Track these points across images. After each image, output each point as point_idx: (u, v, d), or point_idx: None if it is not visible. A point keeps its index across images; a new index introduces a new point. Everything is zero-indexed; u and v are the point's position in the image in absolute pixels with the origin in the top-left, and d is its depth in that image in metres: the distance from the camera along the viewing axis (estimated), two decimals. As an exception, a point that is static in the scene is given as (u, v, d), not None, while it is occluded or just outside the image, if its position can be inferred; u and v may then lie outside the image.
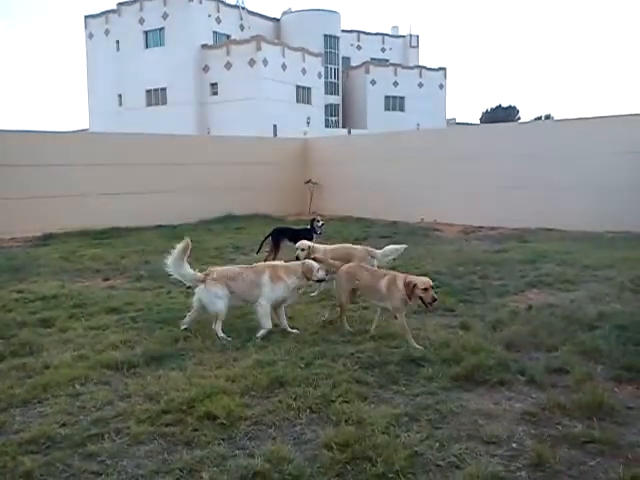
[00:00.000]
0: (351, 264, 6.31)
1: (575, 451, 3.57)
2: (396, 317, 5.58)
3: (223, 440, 3.76)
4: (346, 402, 4.20)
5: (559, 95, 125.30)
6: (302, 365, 4.91)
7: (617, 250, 10.27)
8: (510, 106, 70.11)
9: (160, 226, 14.97)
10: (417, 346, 5.27)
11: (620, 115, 13.75)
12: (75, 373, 4.80)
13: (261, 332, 5.79)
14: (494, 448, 3.61)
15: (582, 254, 9.96)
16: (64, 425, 3.96)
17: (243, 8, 51.73)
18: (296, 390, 4.41)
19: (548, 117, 53.16)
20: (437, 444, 3.63)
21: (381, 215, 16.54)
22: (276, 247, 9.75)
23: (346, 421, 3.91)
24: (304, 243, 7.63)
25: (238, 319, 6.46)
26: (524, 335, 5.59)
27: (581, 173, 13.73)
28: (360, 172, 18.20)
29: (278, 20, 54.98)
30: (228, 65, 45.79)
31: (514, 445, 3.65)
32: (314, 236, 9.92)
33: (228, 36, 49.00)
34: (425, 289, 5.32)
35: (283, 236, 9.92)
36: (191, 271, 6.11)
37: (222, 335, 5.75)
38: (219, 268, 6.25)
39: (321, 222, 10.34)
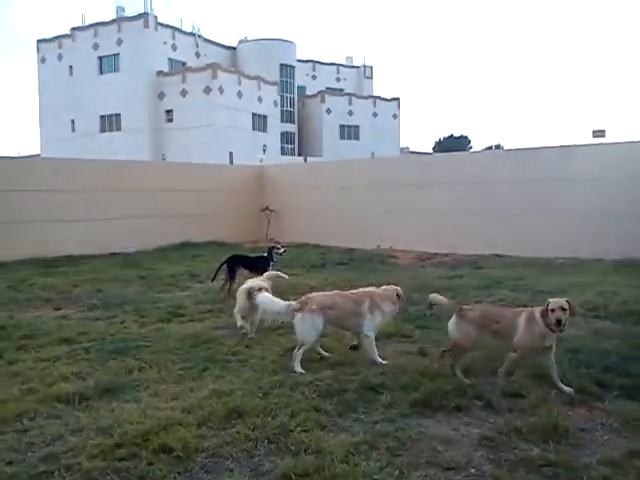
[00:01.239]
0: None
1: (532, 475, 3.61)
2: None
3: (179, 474, 3.67)
4: (305, 431, 4.15)
5: (508, 125, 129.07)
6: (260, 395, 4.84)
7: (567, 275, 10.55)
8: (462, 135, 71.99)
9: (114, 254, 14.69)
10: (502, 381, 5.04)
11: (577, 145, 14.26)
12: (23, 407, 4.63)
13: (376, 358, 5.60)
14: (453, 474, 3.62)
15: (534, 280, 10.19)
16: (11, 463, 3.79)
17: (199, 36, 51.92)
18: (254, 420, 4.33)
19: (498, 146, 54.55)
20: (397, 472, 3.62)
21: (337, 242, 16.63)
22: (232, 274, 9.67)
23: (305, 451, 3.86)
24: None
25: (193, 348, 6.35)
26: (480, 360, 5.64)
27: (533, 199, 14.09)
28: (317, 199, 18.32)
29: (234, 48, 55.35)
30: (184, 92, 45.72)
31: (472, 470, 3.67)
32: (270, 264, 9.89)
33: (184, 63, 49.01)
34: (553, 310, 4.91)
35: (238, 263, 9.86)
36: (284, 303, 5.86)
37: (299, 370, 5.49)
38: (317, 295, 5.90)
39: (283, 249, 10.34)
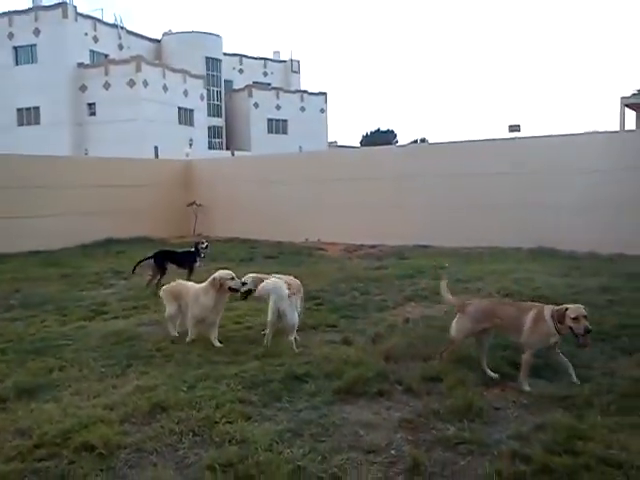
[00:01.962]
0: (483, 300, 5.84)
1: (448, 453, 3.78)
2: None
3: (102, 471, 3.62)
4: (230, 422, 4.18)
5: (433, 119, 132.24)
6: (185, 388, 4.83)
7: (485, 264, 10.98)
8: (388, 130, 73.19)
9: (35, 252, 14.15)
10: (527, 387, 4.79)
11: (496, 139, 14.80)
12: None
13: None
14: (374, 456, 3.74)
15: (455, 269, 10.55)
16: None
17: (122, 27, 50.51)
18: (178, 414, 4.33)
19: (423, 140, 55.90)
20: (319, 457, 3.70)
21: (266, 236, 16.62)
22: (161, 270, 9.55)
23: (229, 441, 3.90)
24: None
25: (116, 345, 6.25)
26: (402, 347, 5.83)
27: (456, 192, 14.53)
28: (245, 194, 18.23)
29: (159, 41, 54.18)
30: (107, 85, 44.43)
31: (393, 452, 3.81)
32: (197, 259, 9.84)
33: (106, 55, 47.62)
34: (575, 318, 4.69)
35: (166, 259, 9.75)
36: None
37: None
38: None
39: (205, 244, 10.27)
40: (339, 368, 5.15)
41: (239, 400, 4.58)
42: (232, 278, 6.22)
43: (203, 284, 6.36)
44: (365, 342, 6.11)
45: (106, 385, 5.03)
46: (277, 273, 6.90)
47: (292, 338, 5.91)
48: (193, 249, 10.05)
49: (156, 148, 21.80)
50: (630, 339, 5.95)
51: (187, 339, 6.28)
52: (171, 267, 9.70)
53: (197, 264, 9.81)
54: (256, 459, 3.60)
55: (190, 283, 6.86)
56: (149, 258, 9.74)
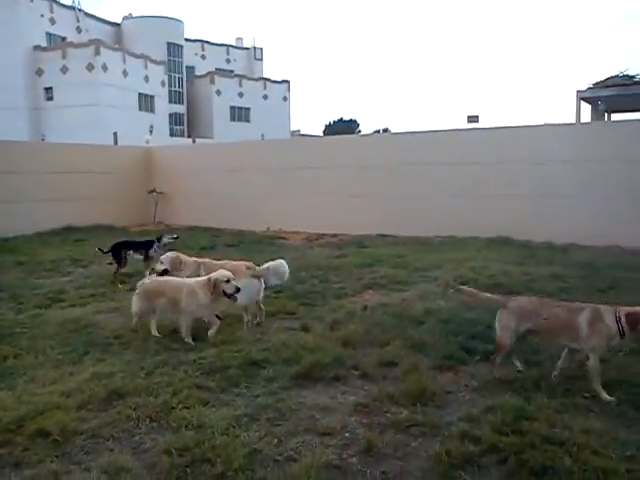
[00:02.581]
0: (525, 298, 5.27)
1: (401, 435, 3.89)
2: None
3: (57, 457, 3.63)
4: (187, 408, 4.22)
5: (395, 110, 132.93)
6: (142, 375, 4.84)
7: (444, 252, 11.18)
8: (351, 119, 73.28)
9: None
10: (607, 397, 4.34)
11: (455, 129, 15.00)
12: None
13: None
14: (329, 439, 3.83)
15: (414, 257, 10.71)
16: None
17: (79, 10, 49.37)
18: (136, 400, 4.34)
19: (386, 130, 56.15)
20: (275, 440, 3.78)
21: (228, 224, 16.55)
22: (118, 260, 9.54)
23: (186, 426, 3.93)
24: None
25: (73, 333, 6.20)
26: (359, 333, 5.93)
27: (416, 182, 14.68)
28: (206, 181, 18.08)
29: (119, 25, 53.12)
30: (64, 69, 43.44)
31: (347, 435, 3.90)
32: (155, 246, 9.74)
33: (64, 38, 46.50)
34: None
35: (123, 248, 9.69)
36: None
37: None
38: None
39: (175, 235, 10.28)
40: (297, 354, 5.22)
41: (197, 386, 4.62)
42: (228, 280, 5.88)
43: (199, 279, 6.10)
44: (323, 329, 6.19)
45: (62, 372, 5.00)
46: (238, 261, 6.97)
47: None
48: (154, 239, 9.95)
49: (115, 134, 21.30)
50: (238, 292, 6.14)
51: (185, 338, 5.83)
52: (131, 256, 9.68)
53: (152, 250, 9.69)
54: (212, 443, 3.65)
55: (177, 279, 6.42)
56: (107, 252, 9.75)
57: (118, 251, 9.63)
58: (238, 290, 5.86)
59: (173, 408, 4.22)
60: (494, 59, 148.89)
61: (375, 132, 51.51)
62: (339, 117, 74.84)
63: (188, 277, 6.51)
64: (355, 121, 73.42)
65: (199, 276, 6.41)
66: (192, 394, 4.44)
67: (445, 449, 3.57)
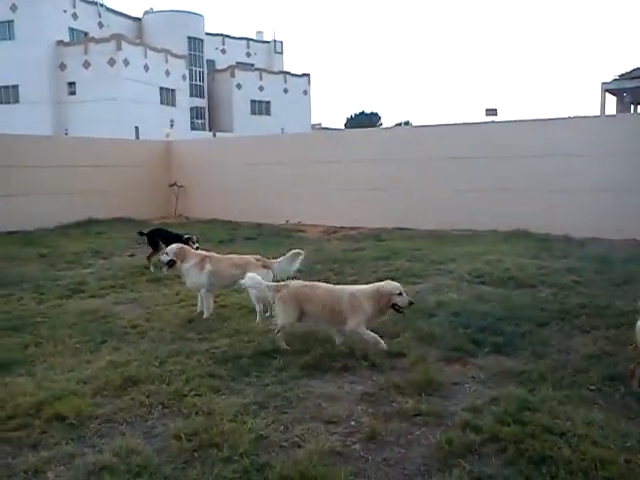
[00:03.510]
0: None
1: (405, 423, 3.97)
2: None
3: (72, 440, 3.78)
4: (198, 395, 4.35)
5: (417, 102, 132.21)
6: (156, 364, 4.99)
7: (460, 246, 11.18)
8: (372, 112, 73.09)
9: (13, 232, 14.13)
10: None
11: (474, 123, 14.98)
12: None
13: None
14: (334, 427, 3.92)
15: (430, 250, 10.74)
16: None
17: (101, 5, 49.78)
18: (149, 387, 4.49)
19: (407, 123, 56.02)
20: (282, 427, 3.89)
21: (247, 218, 16.71)
22: (153, 247, 10.01)
23: (196, 413, 4.06)
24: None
25: (91, 322, 6.38)
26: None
27: (435, 175, 14.69)
28: (226, 175, 18.26)
29: (139, 19, 53.48)
30: (86, 64, 43.88)
31: (352, 423, 3.99)
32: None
33: (86, 33, 46.94)
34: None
35: (159, 237, 10.09)
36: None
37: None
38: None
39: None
40: (307, 344, 5.33)
41: (208, 375, 4.74)
42: (400, 293, 5.25)
43: (364, 288, 5.42)
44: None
45: (80, 360, 5.17)
46: (255, 254, 7.12)
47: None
48: (184, 237, 9.77)
49: (137, 128, 21.72)
50: (589, 318, 6.18)
51: (381, 345, 5.20)
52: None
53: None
54: (221, 429, 3.77)
55: (330, 285, 5.78)
56: (144, 234, 10.38)
57: (153, 237, 10.15)
58: (411, 304, 5.34)
59: (185, 395, 4.35)
60: (514, 51, 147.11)
61: (396, 125, 51.42)
62: (361, 110, 74.79)
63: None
64: (377, 114, 73.32)
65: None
66: (204, 382, 4.57)
67: (446, 437, 3.64)
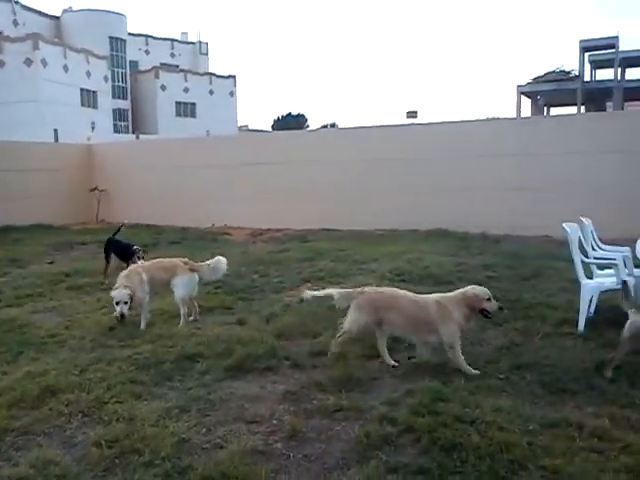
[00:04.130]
0: None
1: (326, 420, 4.09)
2: None
3: (-15, 454, 3.68)
4: (119, 402, 4.32)
5: (342, 105, 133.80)
6: (76, 372, 4.90)
7: (382, 246, 11.47)
8: (299, 114, 73.42)
9: None
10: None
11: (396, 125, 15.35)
12: None
13: None
14: (256, 426, 3.99)
15: (353, 251, 10.97)
16: None
17: (16, 2, 47.77)
18: (68, 397, 4.41)
19: (333, 125, 56.57)
20: (204, 429, 3.92)
21: (172, 222, 16.49)
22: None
23: (117, 420, 4.04)
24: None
25: (7, 333, 6.19)
26: (293, 325, 6.12)
27: (359, 176, 14.94)
28: (150, 179, 17.93)
29: (58, 18, 51.71)
30: (1, 64, 42.01)
31: (274, 422, 4.07)
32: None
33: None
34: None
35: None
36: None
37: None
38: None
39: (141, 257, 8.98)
40: (230, 347, 5.37)
41: (130, 381, 4.71)
42: (489, 298, 5.01)
43: (450, 295, 5.08)
44: (259, 322, 6.36)
45: (-6, 372, 5.02)
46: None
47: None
48: (133, 247, 9.22)
49: (56, 131, 21.02)
50: (501, 312, 6.50)
51: (463, 364, 4.82)
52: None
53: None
54: (142, 434, 3.77)
55: (410, 293, 5.32)
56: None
57: (106, 247, 9.43)
58: (501, 309, 5.20)
59: (105, 403, 4.31)
60: (436, 54, 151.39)
61: (323, 127, 51.88)
62: (287, 112, 74.94)
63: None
64: (303, 116, 73.71)
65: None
66: (125, 389, 4.54)
67: (364, 431, 3.78)
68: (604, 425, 3.80)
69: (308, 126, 67.65)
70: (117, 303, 6.04)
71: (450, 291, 5.23)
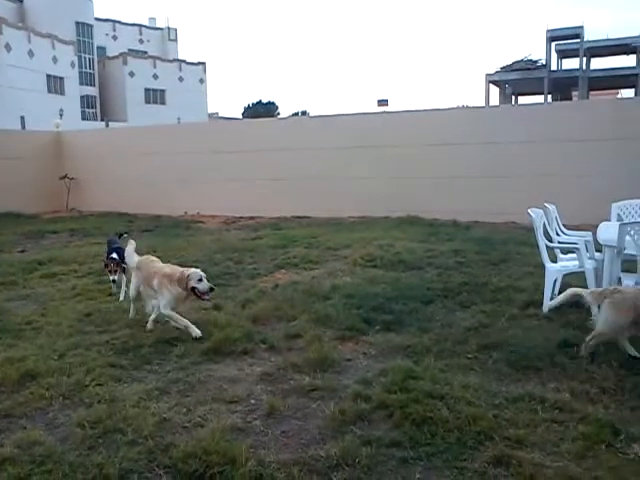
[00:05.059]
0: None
1: (302, 398, 4.24)
2: None
3: (-32, 438, 3.75)
4: (100, 385, 4.41)
5: (315, 92, 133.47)
6: (55, 357, 4.97)
7: (355, 233, 11.63)
8: (270, 101, 73.07)
9: None
10: None
11: (368, 113, 15.49)
12: None
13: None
14: (235, 406, 4.13)
15: (326, 238, 11.11)
16: None
17: (-22, -14, 46.63)
18: (49, 380, 4.48)
19: (304, 112, 56.52)
20: (184, 410, 4.04)
21: (145, 210, 16.45)
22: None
23: (99, 402, 4.13)
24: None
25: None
26: (269, 310, 6.25)
27: (332, 164, 15.05)
28: (121, 166, 17.81)
29: (21, 2, 50.52)
30: (-38, 49, 41.04)
31: (252, 401, 4.21)
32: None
33: (-39, 16, 43.85)
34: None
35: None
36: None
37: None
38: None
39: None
40: (208, 331, 5.48)
41: (110, 365, 4.80)
42: None
43: None
44: (235, 307, 6.47)
45: (-27, 360, 5.05)
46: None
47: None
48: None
49: (22, 118, 20.61)
50: (469, 295, 6.75)
51: None
52: None
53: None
54: (124, 414, 3.88)
55: None
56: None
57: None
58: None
59: (86, 386, 4.40)
60: (406, 43, 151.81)
61: (294, 114, 51.78)
62: (258, 99, 74.50)
63: None
64: (274, 103, 73.32)
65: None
66: (105, 372, 4.62)
67: (339, 408, 3.95)
68: (564, 398, 4.03)
69: (279, 114, 67.41)
70: (200, 280, 5.55)
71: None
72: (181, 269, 5.66)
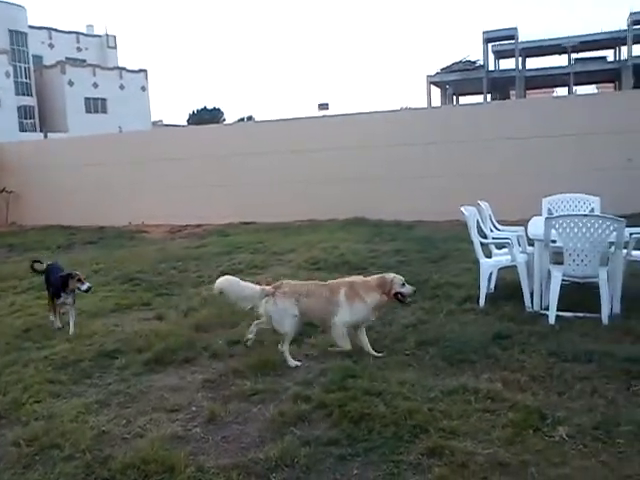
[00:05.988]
0: None
1: (243, 403, 4.27)
2: None
3: None
4: (37, 402, 4.35)
5: (259, 97, 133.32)
6: (-10, 376, 4.88)
7: (300, 236, 11.72)
8: (215, 108, 72.60)
9: None
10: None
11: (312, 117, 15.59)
12: None
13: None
14: (175, 415, 4.14)
15: (272, 243, 11.16)
16: None
17: None
18: (-17, 401, 4.40)
19: (250, 118, 56.28)
20: (124, 421, 4.03)
21: (88, 221, 16.12)
22: None
23: (36, 419, 4.08)
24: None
25: None
26: (212, 317, 6.26)
27: (277, 169, 15.10)
28: (62, 178, 17.38)
29: (-50, 11, 48.85)
30: None
31: (193, 409, 4.23)
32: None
33: None
34: None
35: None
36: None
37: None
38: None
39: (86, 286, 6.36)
40: (149, 342, 5.46)
41: (48, 381, 4.73)
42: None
43: None
44: (177, 316, 6.46)
45: None
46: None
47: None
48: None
49: (-44, 132, 20.02)
50: (409, 293, 6.89)
51: None
52: None
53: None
54: (61, 430, 3.84)
55: None
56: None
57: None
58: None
59: (23, 404, 4.33)
60: (346, 47, 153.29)
61: (239, 120, 51.54)
62: (203, 106, 73.91)
63: None
64: (219, 109, 72.90)
65: None
66: (43, 389, 4.56)
67: (279, 410, 4.01)
68: (497, 388, 4.20)
69: (224, 120, 67.07)
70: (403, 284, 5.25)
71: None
72: (375, 276, 5.37)
